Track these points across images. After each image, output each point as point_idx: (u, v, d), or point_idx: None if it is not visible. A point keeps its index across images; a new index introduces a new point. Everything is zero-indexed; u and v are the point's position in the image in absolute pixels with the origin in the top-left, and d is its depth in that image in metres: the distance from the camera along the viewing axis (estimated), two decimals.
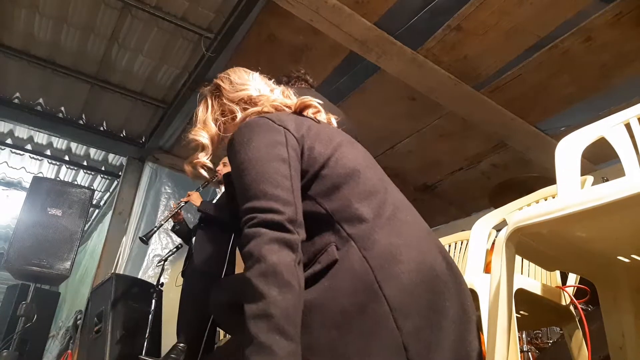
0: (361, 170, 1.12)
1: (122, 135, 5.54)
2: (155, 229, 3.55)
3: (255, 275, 0.89)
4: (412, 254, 0.98)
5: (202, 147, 1.30)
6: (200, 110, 1.37)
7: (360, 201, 1.05)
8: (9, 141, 5.95)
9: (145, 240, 3.42)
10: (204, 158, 1.29)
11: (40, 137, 5.90)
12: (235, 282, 1.46)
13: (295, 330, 0.86)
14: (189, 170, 1.33)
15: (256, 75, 1.40)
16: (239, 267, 3.14)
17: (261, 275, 0.88)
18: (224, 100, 1.33)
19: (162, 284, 3.46)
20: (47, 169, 6.51)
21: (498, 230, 1.75)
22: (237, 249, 2.94)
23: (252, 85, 1.35)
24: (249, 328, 0.85)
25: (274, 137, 1.09)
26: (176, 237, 4.17)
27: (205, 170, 1.30)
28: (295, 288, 0.89)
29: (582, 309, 1.52)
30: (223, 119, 1.32)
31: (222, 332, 3.81)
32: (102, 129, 5.44)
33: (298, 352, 0.85)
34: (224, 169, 3.16)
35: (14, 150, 6.07)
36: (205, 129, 1.32)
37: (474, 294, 1.55)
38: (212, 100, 1.37)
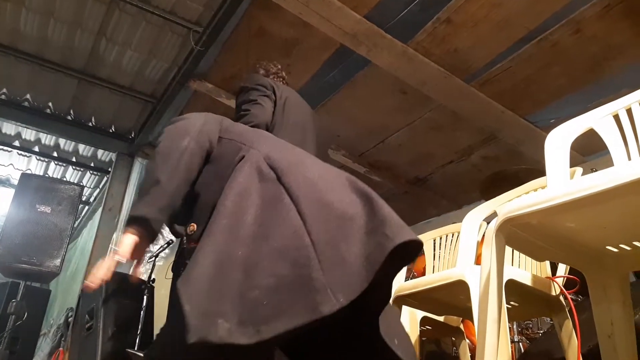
0: None
1: (111, 130, 5.49)
2: None
3: None
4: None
5: None
6: None
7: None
8: None
9: None
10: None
11: (28, 134, 5.83)
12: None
13: None
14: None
15: None
16: None
17: None
18: None
19: (153, 280, 3.44)
20: (36, 166, 6.44)
21: (489, 222, 1.76)
22: None
23: None
24: None
25: None
26: (167, 232, 4.14)
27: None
28: None
29: (571, 299, 1.53)
30: None
31: None
32: (90, 124, 5.39)
33: None
34: None
35: (1, 146, 6.00)
36: None
37: (465, 285, 1.56)
38: None
